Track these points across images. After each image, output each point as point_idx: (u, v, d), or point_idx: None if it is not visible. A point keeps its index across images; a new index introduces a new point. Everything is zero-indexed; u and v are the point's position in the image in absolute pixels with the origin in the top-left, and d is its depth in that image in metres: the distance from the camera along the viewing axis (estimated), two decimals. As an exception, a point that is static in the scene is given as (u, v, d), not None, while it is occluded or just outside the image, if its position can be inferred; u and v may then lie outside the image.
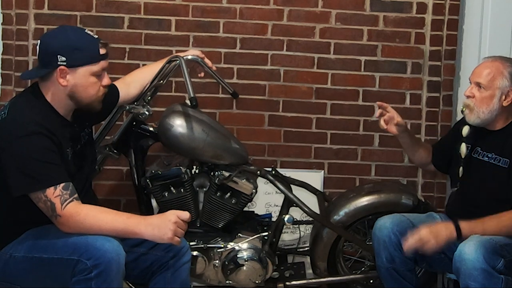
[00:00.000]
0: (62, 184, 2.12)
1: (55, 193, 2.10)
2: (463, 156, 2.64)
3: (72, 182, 2.16)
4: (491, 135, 2.56)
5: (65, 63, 2.19)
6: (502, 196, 2.48)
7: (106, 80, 2.32)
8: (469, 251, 2.30)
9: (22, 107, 2.20)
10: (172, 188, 2.82)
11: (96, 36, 2.28)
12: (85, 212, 2.13)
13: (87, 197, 2.32)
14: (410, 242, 2.43)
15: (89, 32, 2.28)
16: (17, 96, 2.34)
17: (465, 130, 2.64)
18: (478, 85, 2.52)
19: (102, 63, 2.27)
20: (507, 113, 2.53)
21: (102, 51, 2.27)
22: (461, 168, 2.65)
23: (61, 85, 2.22)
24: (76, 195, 2.15)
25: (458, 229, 2.42)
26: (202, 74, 2.92)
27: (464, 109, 2.58)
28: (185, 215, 2.20)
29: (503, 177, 2.48)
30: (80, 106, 2.29)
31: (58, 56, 2.19)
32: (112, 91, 2.54)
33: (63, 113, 2.27)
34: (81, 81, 2.23)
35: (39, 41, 2.26)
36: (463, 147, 2.64)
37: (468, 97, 2.55)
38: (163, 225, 2.16)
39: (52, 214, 2.12)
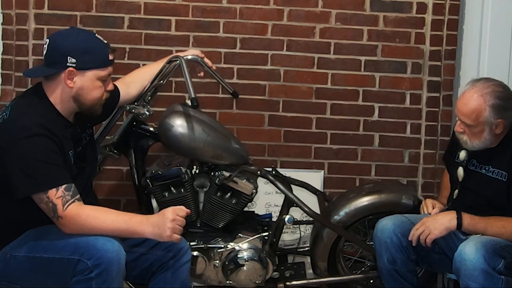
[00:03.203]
0: (64, 186, 2.12)
1: (57, 194, 2.10)
2: (460, 180, 2.62)
3: (74, 183, 2.16)
4: (487, 150, 2.52)
5: (74, 65, 2.20)
6: (498, 205, 2.47)
7: (110, 86, 2.34)
8: (470, 252, 2.31)
9: (24, 108, 2.20)
10: (172, 188, 2.82)
11: (106, 41, 2.29)
12: (87, 213, 2.13)
13: (88, 197, 2.32)
14: (414, 231, 2.47)
15: (99, 36, 2.30)
16: (19, 97, 2.34)
17: (463, 154, 2.62)
18: (465, 124, 2.47)
19: (110, 69, 2.29)
20: (501, 134, 2.49)
21: (111, 56, 2.29)
22: (456, 191, 2.65)
23: (67, 86, 2.22)
24: (78, 196, 2.15)
25: (459, 218, 2.42)
26: (202, 74, 2.92)
27: None
28: (183, 211, 2.21)
29: (502, 190, 2.47)
30: (82, 109, 2.29)
31: (68, 57, 2.19)
32: (113, 92, 2.54)
33: (65, 114, 2.27)
34: (87, 84, 2.24)
35: (47, 40, 2.25)
36: (460, 171, 2.62)
37: (459, 132, 2.52)
38: (162, 224, 2.16)
39: (54, 215, 2.12)
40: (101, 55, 2.25)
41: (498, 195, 2.48)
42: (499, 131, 2.45)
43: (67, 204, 2.11)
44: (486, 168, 2.52)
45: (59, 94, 2.24)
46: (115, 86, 2.62)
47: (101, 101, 2.32)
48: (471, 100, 2.43)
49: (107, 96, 2.34)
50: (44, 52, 2.25)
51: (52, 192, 2.10)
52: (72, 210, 2.12)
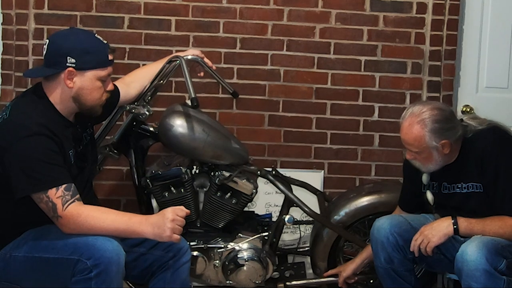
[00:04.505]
0: (64, 185, 2.12)
1: (56, 194, 2.10)
2: (432, 203, 2.64)
3: (74, 183, 2.16)
4: (450, 168, 2.53)
5: (74, 65, 2.20)
6: (487, 214, 2.46)
7: (110, 86, 2.34)
8: (472, 252, 2.31)
9: (24, 108, 2.20)
10: (172, 188, 2.82)
11: (106, 42, 2.29)
12: (86, 213, 2.13)
13: (88, 197, 2.32)
14: (414, 241, 2.48)
15: (98, 37, 2.30)
16: (19, 97, 2.34)
17: (425, 178, 2.63)
18: (412, 151, 2.50)
19: (109, 69, 2.29)
20: (453, 150, 2.49)
21: (110, 57, 2.29)
22: (435, 214, 2.65)
23: (67, 86, 2.22)
24: (77, 196, 2.15)
25: (455, 223, 2.43)
26: (202, 74, 2.93)
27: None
28: (182, 211, 2.21)
29: (483, 199, 2.47)
30: (82, 109, 2.29)
31: (68, 57, 2.19)
32: (113, 91, 2.54)
33: (65, 114, 2.27)
34: (87, 84, 2.24)
35: (47, 40, 2.25)
36: (429, 195, 2.63)
37: (411, 159, 2.54)
38: (161, 224, 2.16)
39: (54, 215, 2.12)
40: (101, 55, 2.25)
41: (483, 205, 2.48)
42: (447, 151, 2.46)
43: (67, 204, 2.11)
44: (460, 186, 2.53)
45: (59, 94, 2.24)
46: (115, 86, 2.62)
47: (101, 101, 2.32)
48: (409, 129, 2.46)
49: (107, 96, 2.34)
50: (44, 52, 2.25)
51: (52, 192, 2.10)
52: (72, 210, 2.12)
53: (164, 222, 2.16)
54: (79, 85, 2.23)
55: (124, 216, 2.18)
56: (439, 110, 2.47)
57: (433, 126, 2.43)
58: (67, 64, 2.19)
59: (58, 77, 2.22)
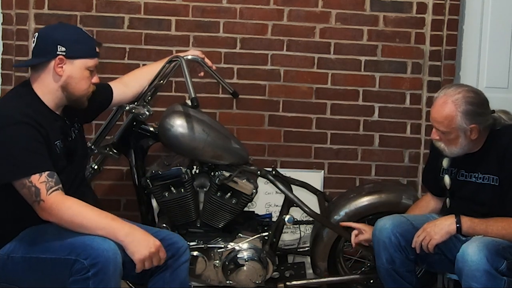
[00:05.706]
0: (47, 172, 2.12)
1: (40, 179, 2.10)
2: (448, 188, 2.63)
3: (59, 174, 2.16)
4: (472, 157, 2.53)
5: (64, 53, 2.24)
6: (496, 210, 2.46)
7: (95, 78, 2.37)
8: (472, 252, 2.31)
9: (10, 100, 2.23)
10: (172, 188, 2.82)
11: (92, 36, 2.37)
12: (69, 204, 2.13)
13: (79, 192, 2.31)
14: (416, 238, 2.48)
15: (85, 31, 2.37)
16: (7, 92, 2.37)
17: (445, 162, 2.62)
18: (440, 131, 2.49)
19: (96, 60, 2.34)
20: (479, 138, 2.49)
21: (97, 49, 2.35)
22: (447, 200, 2.66)
23: (57, 74, 2.25)
24: (61, 185, 2.15)
25: (458, 222, 2.43)
26: (202, 74, 2.93)
27: None
28: (164, 254, 2.22)
29: (496, 193, 2.47)
30: (69, 99, 2.31)
31: (58, 46, 2.24)
32: (105, 92, 2.59)
33: (53, 107, 2.29)
34: (76, 73, 2.28)
35: (36, 34, 2.29)
36: (447, 179, 2.62)
37: (436, 140, 2.53)
38: (140, 246, 2.16)
39: (36, 199, 2.11)
40: (89, 46, 2.31)
41: (494, 199, 2.48)
42: (474, 136, 2.46)
43: (51, 190, 2.11)
44: (476, 176, 2.53)
45: (47, 84, 2.27)
46: (109, 88, 2.66)
47: (88, 92, 2.35)
48: (443, 107, 2.45)
49: (93, 89, 2.37)
50: (33, 45, 2.28)
51: (35, 177, 2.10)
52: (55, 197, 2.11)
53: (145, 246, 2.16)
54: (68, 73, 2.26)
55: (107, 218, 2.17)
56: (475, 93, 2.47)
57: (466, 108, 2.42)
58: (58, 52, 2.24)
59: (47, 67, 2.25)
